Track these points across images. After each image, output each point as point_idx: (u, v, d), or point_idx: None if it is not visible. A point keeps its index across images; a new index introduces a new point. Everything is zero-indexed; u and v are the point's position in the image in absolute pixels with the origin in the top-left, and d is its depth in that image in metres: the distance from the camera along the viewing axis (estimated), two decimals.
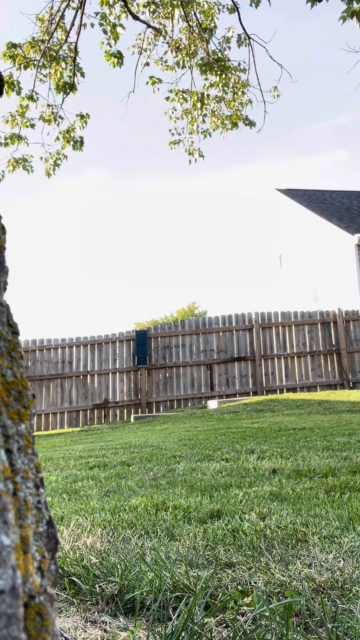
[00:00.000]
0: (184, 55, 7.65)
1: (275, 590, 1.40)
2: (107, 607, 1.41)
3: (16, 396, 0.50)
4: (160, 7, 7.44)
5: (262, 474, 3.07)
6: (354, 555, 1.61)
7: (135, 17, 7.05)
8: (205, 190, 75.84)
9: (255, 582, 1.47)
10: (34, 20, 7.41)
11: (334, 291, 15.57)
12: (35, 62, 7.27)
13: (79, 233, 79.74)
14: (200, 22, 7.45)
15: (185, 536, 1.87)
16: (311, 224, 17.26)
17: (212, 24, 7.49)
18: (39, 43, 7.28)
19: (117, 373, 11.66)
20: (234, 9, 7.11)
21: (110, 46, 7.20)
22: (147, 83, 7.77)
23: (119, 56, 7.17)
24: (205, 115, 8.20)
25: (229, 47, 7.60)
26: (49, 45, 7.25)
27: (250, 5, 6.22)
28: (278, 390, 11.73)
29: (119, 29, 7.10)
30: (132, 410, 11.47)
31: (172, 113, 8.44)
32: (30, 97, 7.41)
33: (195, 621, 1.23)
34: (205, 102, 7.94)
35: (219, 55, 7.47)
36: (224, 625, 1.28)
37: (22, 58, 7.17)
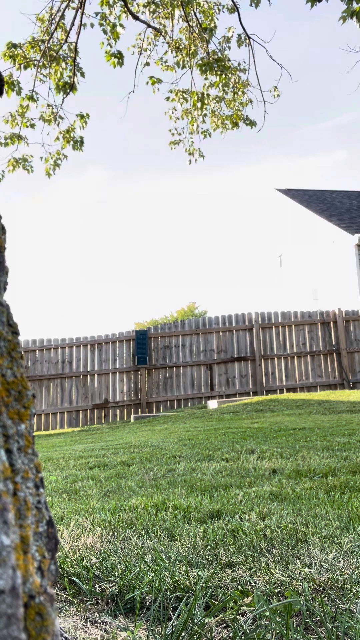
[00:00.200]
0: (184, 55, 7.65)
1: (275, 590, 1.40)
2: (107, 607, 1.41)
3: (16, 396, 0.50)
4: (160, 7, 7.44)
5: (262, 474, 3.07)
6: (354, 555, 1.61)
7: (135, 17, 7.05)
8: (205, 190, 75.86)
9: (255, 582, 1.47)
10: (34, 20, 7.41)
11: (334, 291, 15.57)
12: (35, 62, 7.27)
13: (79, 233, 79.77)
14: (200, 22, 7.45)
15: (185, 536, 1.87)
16: (311, 224, 17.26)
17: (212, 24, 7.49)
18: (39, 43, 7.28)
19: (117, 373, 11.66)
20: (234, 9, 7.11)
21: (110, 46, 7.20)
22: (147, 83, 7.77)
23: (119, 56, 7.17)
24: (205, 115, 8.20)
25: (229, 47, 7.60)
26: (49, 45, 7.25)
27: (250, 5, 6.22)
28: (278, 390, 11.73)
29: (119, 29, 7.10)
30: (132, 410, 11.47)
31: (172, 113, 8.45)
32: (30, 97, 7.41)
33: (195, 621, 1.23)
34: (206, 102, 7.94)
35: (219, 55, 7.47)
36: (224, 625, 1.28)
37: (22, 58, 7.17)
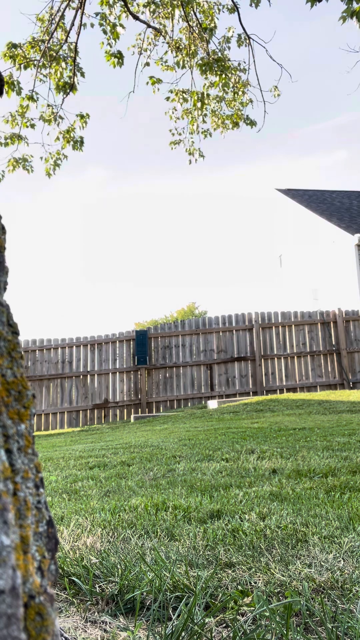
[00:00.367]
0: (184, 55, 7.65)
1: (275, 590, 1.40)
2: (107, 607, 1.41)
3: (16, 396, 0.50)
4: (160, 7, 7.44)
5: (262, 474, 3.07)
6: (354, 555, 1.61)
7: (135, 17, 7.05)
8: (206, 190, 75.88)
9: (255, 582, 1.46)
10: (34, 20, 7.41)
11: (334, 291, 15.57)
12: (35, 62, 7.27)
13: (79, 233, 79.79)
14: (200, 22, 7.45)
15: (185, 536, 1.87)
16: (311, 224, 17.26)
17: (212, 24, 7.49)
18: (39, 43, 7.28)
19: (117, 373, 11.66)
20: (234, 9, 7.11)
21: (110, 46, 7.20)
22: (147, 83, 7.77)
23: (119, 56, 7.17)
24: (205, 115, 8.20)
25: (229, 47, 7.60)
26: (49, 45, 7.25)
27: (250, 5, 6.22)
28: (278, 390, 11.73)
29: (119, 29, 7.10)
30: (132, 410, 11.47)
31: (173, 113, 8.44)
32: (30, 97, 7.41)
33: (195, 621, 1.23)
34: (206, 102, 7.94)
35: (219, 55, 7.47)
36: (224, 625, 1.28)
37: (22, 58, 7.17)
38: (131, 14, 6.98)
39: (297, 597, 1.31)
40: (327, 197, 19.26)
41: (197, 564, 1.59)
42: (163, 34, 7.64)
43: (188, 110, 8.24)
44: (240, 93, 7.84)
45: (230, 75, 7.58)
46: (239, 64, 7.75)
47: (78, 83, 7.54)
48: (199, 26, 7.38)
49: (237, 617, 1.28)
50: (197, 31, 7.42)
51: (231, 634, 1.19)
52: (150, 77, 7.72)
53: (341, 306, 13.10)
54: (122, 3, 6.93)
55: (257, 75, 7.62)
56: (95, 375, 11.57)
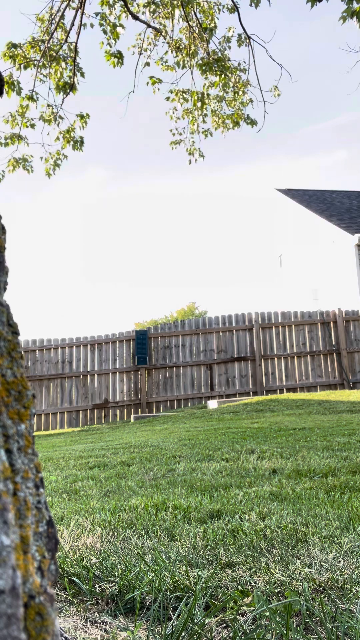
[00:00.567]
0: (184, 55, 7.65)
1: (275, 590, 1.40)
2: (107, 607, 1.41)
3: (16, 396, 0.50)
4: (160, 7, 7.44)
5: (262, 474, 3.07)
6: (354, 555, 1.61)
7: (135, 17, 7.05)
8: (206, 190, 75.90)
9: (255, 582, 1.46)
10: (34, 20, 7.41)
11: (334, 291, 15.57)
12: (35, 62, 7.27)
13: (79, 233, 79.81)
14: (201, 22, 7.45)
15: (185, 536, 1.87)
16: (311, 224, 17.26)
17: (212, 24, 7.48)
18: (39, 43, 7.28)
19: (117, 373, 11.66)
20: (234, 8, 7.11)
21: (110, 46, 7.20)
22: (147, 83, 7.77)
23: (119, 56, 7.17)
24: (205, 115, 8.20)
25: (229, 47, 7.60)
26: (49, 45, 7.25)
27: (250, 5, 6.22)
28: (278, 390, 11.73)
29: (119, 29, 7.10)
30: (132, 410, 11.47)
31: (173, 113, 8.44)
32: (30, 97, 7.41)
33: (195, 621, 1.23)
34: (206, 101, 7.94)
35: (219, 55, 7.47)
36: (224, 625, 1.28)
37: (22, 58, 7.17)
38: (131, 14, 6.98)
39: (297, 597, 1.31)
40: (327, 197, 19.26)
41: (197, 564, 1.59)
42: (163, 34, 7.63)
43: (188, 110, 8.23)
44: (240, 93, 7.84)
45: (230, 75, 7.58)
46: (239, 64, 7.75)
47: (78, 83, 7.55)
48: (199, 26, 7.38)
49: (237, 617, 1.28)
50: (197, 31, 7.42)
51: (231, 634, 1.19)
52: (151, 77, 7.72)
53: (341, 306, 13.10)
54: (122, 3, 6.93)
55: (257, 75, 7.63)
56: (95, 375, 11.57)
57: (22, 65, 7.17)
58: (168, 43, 7.70)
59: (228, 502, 2.36)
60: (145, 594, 1.41)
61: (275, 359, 11.88)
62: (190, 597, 1.37)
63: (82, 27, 7.17)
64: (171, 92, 8.08)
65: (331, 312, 12.26)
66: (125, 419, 11.36)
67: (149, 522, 2.08)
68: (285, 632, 1.14)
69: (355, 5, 4.55)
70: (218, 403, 10.25)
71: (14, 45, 7.11)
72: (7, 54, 7.08)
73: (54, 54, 7.30)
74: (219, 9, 7.54)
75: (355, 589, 1.38)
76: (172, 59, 7.92)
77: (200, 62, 7.39)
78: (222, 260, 73.98)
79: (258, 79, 7.44)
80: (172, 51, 7.74)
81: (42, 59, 7.27)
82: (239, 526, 1.94)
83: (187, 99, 8.08)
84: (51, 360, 11.50)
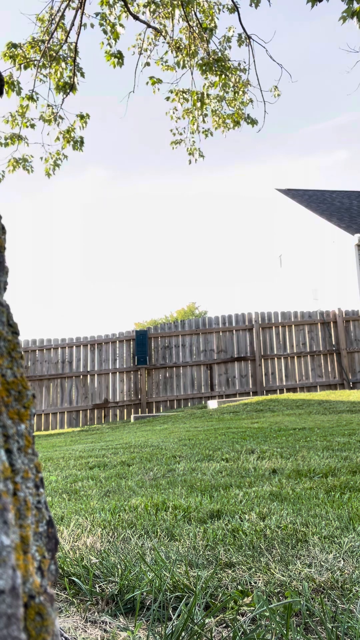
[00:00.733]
0: (184, 55, 7.65)
1: (275, 590, 1.40)
2: (107, 607, 1.41)
3: (16, 396, 0.50)
4: (160, 7, 7.43)
5: (262, 474, 3.07)
6: (354, 555, 1.61)
7: (135, 17, 7.05)
8: (206, 190, 75.92)
9: (255, 582, 1.46)
10: (34, 21, 7.41)
11: (334, 291, 15.57)
12: (35, 62, 7.27)
13: (79, 233, 79.82)
14: (201, 22, 7.45)
15: (185, 536, 1.87)
16: (311, 224, 17.26)
17: (212, 24, 7.48)
18: (39, 43, 7.28)
19: (117, 373, 11.66)
20: (234, 9, 7.11)
21: (110, 46, 7.19)
22: (147, 83, 7.76)
23: (119, 56, 7.17)
24: (206, 115, 8.20)
25: (229, 47, 7.60)
26: (49, 45, 7.25)
27: (250, 5, 6.22)
28: (278, 390, 11.73)
29: (119, 29, 7.10)
30: (132, 410, 11.47)
31: (173, 113, 8.44)
32: (30, 97, 7.41)
33: (195, 621, 1.23)
34: (206, 101, 7.93)
35: (219, 55, 7.47)
36: (224, 625, 1.28)
37: (22, 58, 7.17)
38: (131, 14, 6.98)
39: (297, 597, 1.31)
40: (327, 197, 19.26)
41: (197, 564, 1.59)
42: (163, 34, 7.63)
43: (188, 110, 8.23)
44: (240, 93, 7.84)
45: (230, 75, 7.58)
46: (239, 64, 7.75)
47: (78, 83, 7.54)
48: (199, 26, 7.38)
49: (237, 617, 1.28)
50: (197, 31, 7.42)
51: (231, 634, 1.19)
52: (151, 77, 7.72)
53: (341, 306, 13.10)
54: (122, 3, 6.93)
55: (257, 75, 7.63)
56: (95, 375, 11.57)
57: (22, 65, 7.17)
58: (168, 43, 7.70)
59: (228, 502, 2.36)
60: (145, 594, 1.41)
61: (275, 359, 11.88)
62: (190, 597, 1.37)
63: (82, 27, 7.17)
64: (171, 92, 8.08)
65: (331, 312, 12.26)
66: (125, 419, 11.36)
67: (149, 522, 2.08)
68: (285, 632, 1.14)
69: (356, 5, 4.55)
70: (218, 403, 10.25)
71: (14, 45, 7.11)
72: (7, 54, 7.08)
73: (54, 54, 7.30)
74: (219, 9, 7.54)
75: (355, 589, 1.38)
76: (172, 59, 7.93)
77: (200, 62, 7.39)
78: (222, 260, 74.00)
79: (258, 79, 7.45)
80: (172, 51, 7.74)
81: (42, 59, 7.27)
82: (239, 526, 1.94)
83: (187, 99, 8.08)
84: (51, 360, 11.50)
